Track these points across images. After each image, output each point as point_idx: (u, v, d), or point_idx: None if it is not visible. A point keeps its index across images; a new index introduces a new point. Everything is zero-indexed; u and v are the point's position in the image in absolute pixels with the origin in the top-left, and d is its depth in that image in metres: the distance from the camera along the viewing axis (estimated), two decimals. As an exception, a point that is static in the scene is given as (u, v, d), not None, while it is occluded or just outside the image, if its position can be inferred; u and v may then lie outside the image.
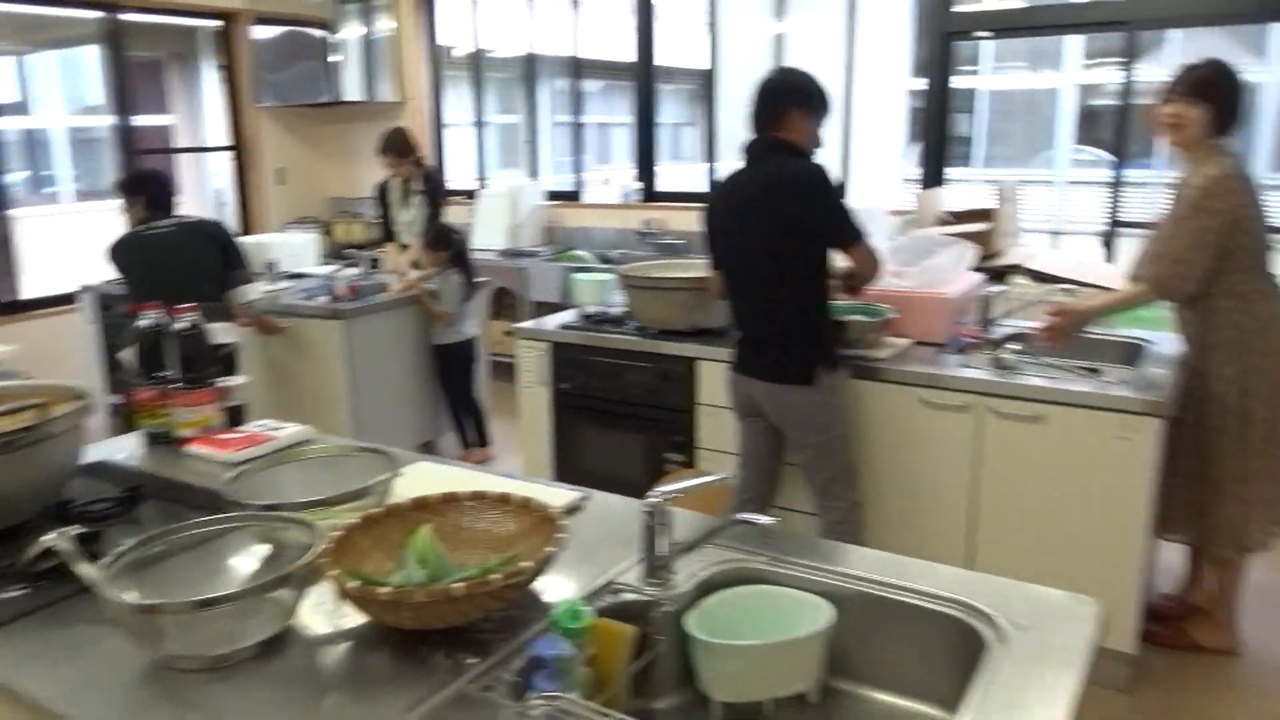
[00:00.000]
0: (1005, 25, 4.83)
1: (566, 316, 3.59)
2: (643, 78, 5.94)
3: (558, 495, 1.75)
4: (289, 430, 2.03)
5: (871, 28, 5.40)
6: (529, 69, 6.66)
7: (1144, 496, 2.47)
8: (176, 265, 3.70)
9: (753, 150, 2.64)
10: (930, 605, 1.37)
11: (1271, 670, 2.75)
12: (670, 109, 13.55)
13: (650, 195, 6.11)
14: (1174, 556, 3.09)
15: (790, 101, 2.59)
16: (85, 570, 1.25)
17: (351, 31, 6.54)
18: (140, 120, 6.70)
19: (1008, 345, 2.74)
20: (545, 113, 7.22)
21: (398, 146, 4.64)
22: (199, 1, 6.47)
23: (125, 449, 2.02)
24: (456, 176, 7.01)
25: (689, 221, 5.70)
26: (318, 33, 6.47)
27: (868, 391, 2.81)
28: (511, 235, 6.19)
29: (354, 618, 1.33)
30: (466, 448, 4.61)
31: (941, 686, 1.35)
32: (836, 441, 2.65)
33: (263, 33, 6.69)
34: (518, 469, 3.71)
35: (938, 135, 4.98)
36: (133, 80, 6.43)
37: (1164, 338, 3.00)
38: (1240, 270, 2.58)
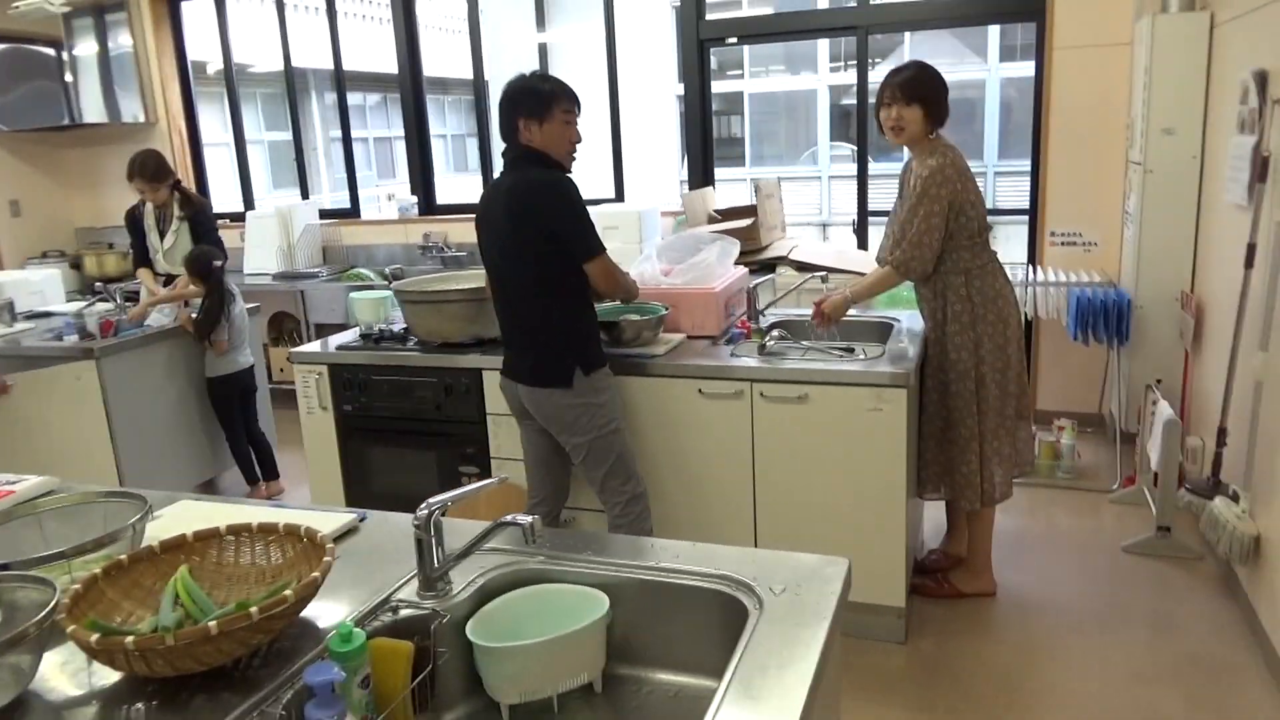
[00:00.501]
0: (753, 31, 5.12)
1: (345, 337, 3.48)
2: (410, 89, 5.85)
3: (331, 520, 1.71)
4: (29, 483, 1.86)
5: (635, 36, 5.59)
6: (289, 82, 6.39)
7: (900, 461, 2.70)
8: None
9: (505, 157, 2.68)
10: (697, 583, 1.45)
11: (1022, 605, 3.08)
12: (452, 120, 13.41)
13: (429, 209, 6.03)
14: (938, 513, 3.39)
15: (516, 114, 2.61)
16: None
17: (87, 48, 6.04)
18: None
19: (773, 334, 2.91)
20: (317, 128, 6.97)
21: (150, 170, 4.31)
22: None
23: None
24: (220, 199, 6.63)
25: (469, 233, 5.67)
26: (48, 50, 5.94)
27: (647, 386, 2.92)
28: (286, 257, 5.92)
29: (108, 674, 1.25)
30: (254, 484, 4.37)
31: (714, 658, 1.42)
32: (604, 439, 2.72)
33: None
34: (308, 499, 3.57)
35: (701, 137, 5.21)
36: None
37: (911, 316, 3.29)
38: (965, 249, 2.87)
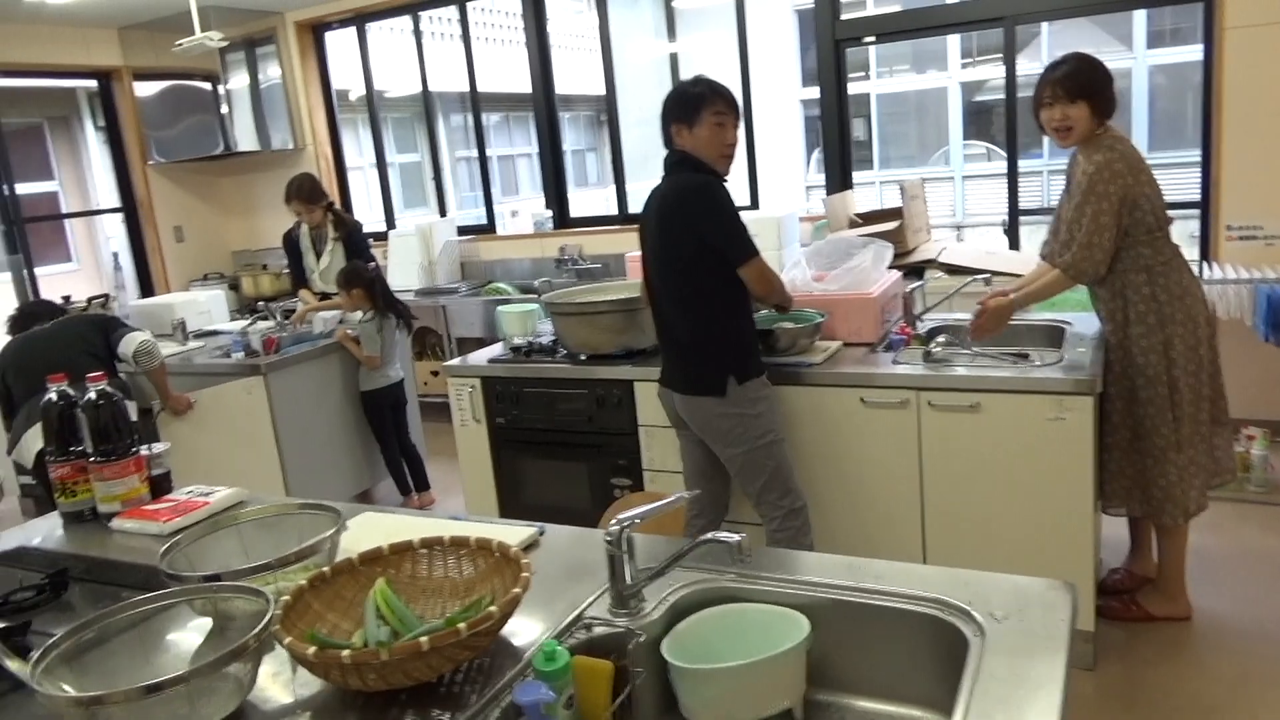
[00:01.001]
0: (890, 29, 4.96)
1: (494, 350, 3.53)
2: (544, 107, 5.92)
3: (513, 532, 1.70)
4: (221, 494, 1.92)
5: (760, 42, 5.48)
6: (426, 106, 6.58)
7: (1086, 474, 2.52)
8: (58, 349, 3.53)
9: (666, 163, 2.65)
10: (905, 606, 1.36)
11: (1220, 631, 2.84)
12: (570, 136, 13.63)
13: (563, 222, 6.09)
14: (1116, 530, 3.17)
15: (670, 119, 2.61)
16: (14, 667, 1.14)
17: (239, 81, 6.37)
18: (24, 188, 6.41)
19: (937, 340, 2.77)
20: (444, 149, 7.17)
21: (307, 192, 4.54)
22: (72, 62, 6.23)
23: (43, 531, 1.88)
24: (363, 219, 6.87)
25: (604, 245, 5.71)
26: (204, 85, 6.29)
27: (806, 396, 2.82)
28: (427, 273, 6.09)
29: (315, 684, 1.25)
30: (406, 494, 4.48)
31: (928, 688, 1.33)
32: (760, 451, 2.63)
33: (146, 89, 6.47)
34: (463, 509, 3.62)
35: (839, 140, 5.08)
36: (9, 147, 6.14)
37: (1084, 318, 3.09)
38: (1144, 245, 2.67)
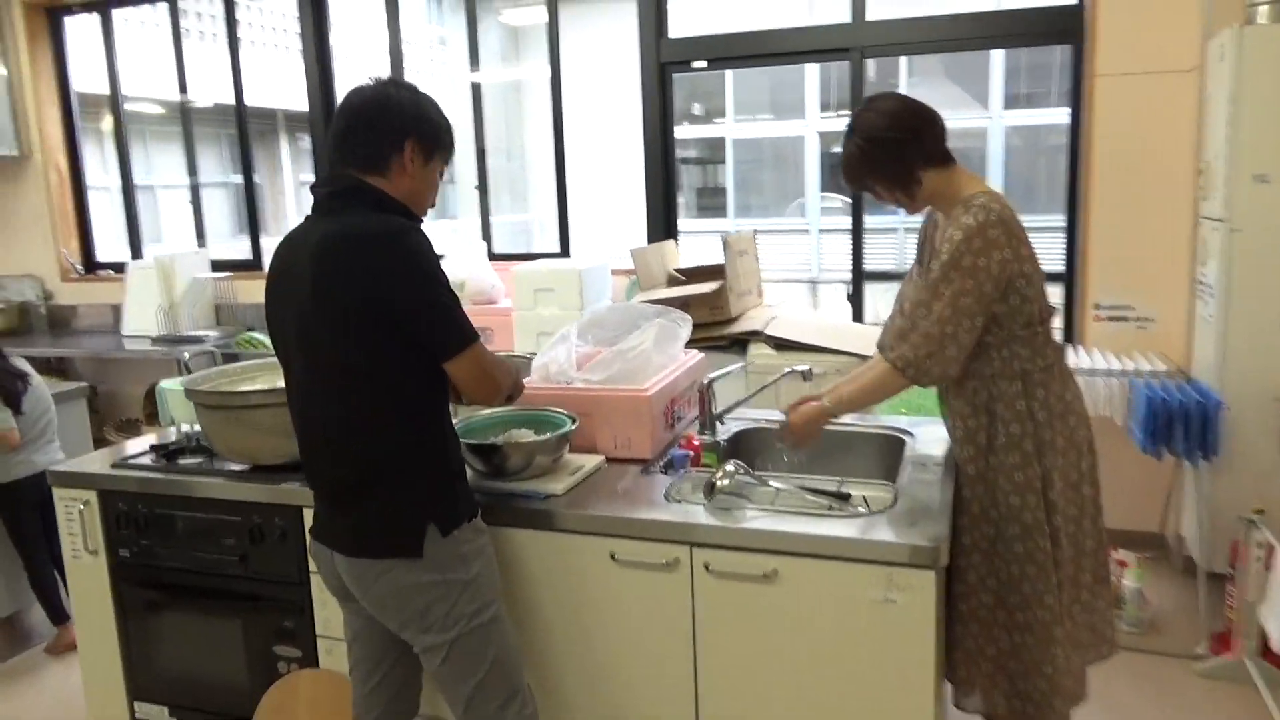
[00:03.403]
0: (724, 53, 4.22)
1: (135, 447, 2.49)
2: (322, 123, 4.92)
3: None
4: None
5: (616, 69, 4.64)
6: (184, 117, 5.46)
7: (926, 669, 1.70)
8: None
9: (318, 194, 1.73)
10: None
11: None
12: None
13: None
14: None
15: (393, 137, 1.71)
16: None
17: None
18: None
19: (727, 467, 1.91)
20: (215, 170, 6.06)
21: None
22: None
23: None
24: (107, 248, 5.68)
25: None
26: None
27: (540, 544, 1.92)
28: (168, 318, 4.94)
29: None
30: (61, 622, 3.33)
31: None
32: (475, 636, 1.73)
33: None
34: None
35: (662, 180, 4.28)
36: None
37: (929, 426, 2.32)
38: (1020, 343, 1.92)
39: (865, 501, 1.81)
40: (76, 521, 2.34)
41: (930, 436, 2.25)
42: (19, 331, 5.50)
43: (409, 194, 1.74)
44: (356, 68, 5.44)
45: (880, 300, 4.28)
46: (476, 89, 4.75)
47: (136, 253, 5.58)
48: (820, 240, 10.00)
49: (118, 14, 5.34)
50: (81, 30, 5.43)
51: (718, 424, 2.39)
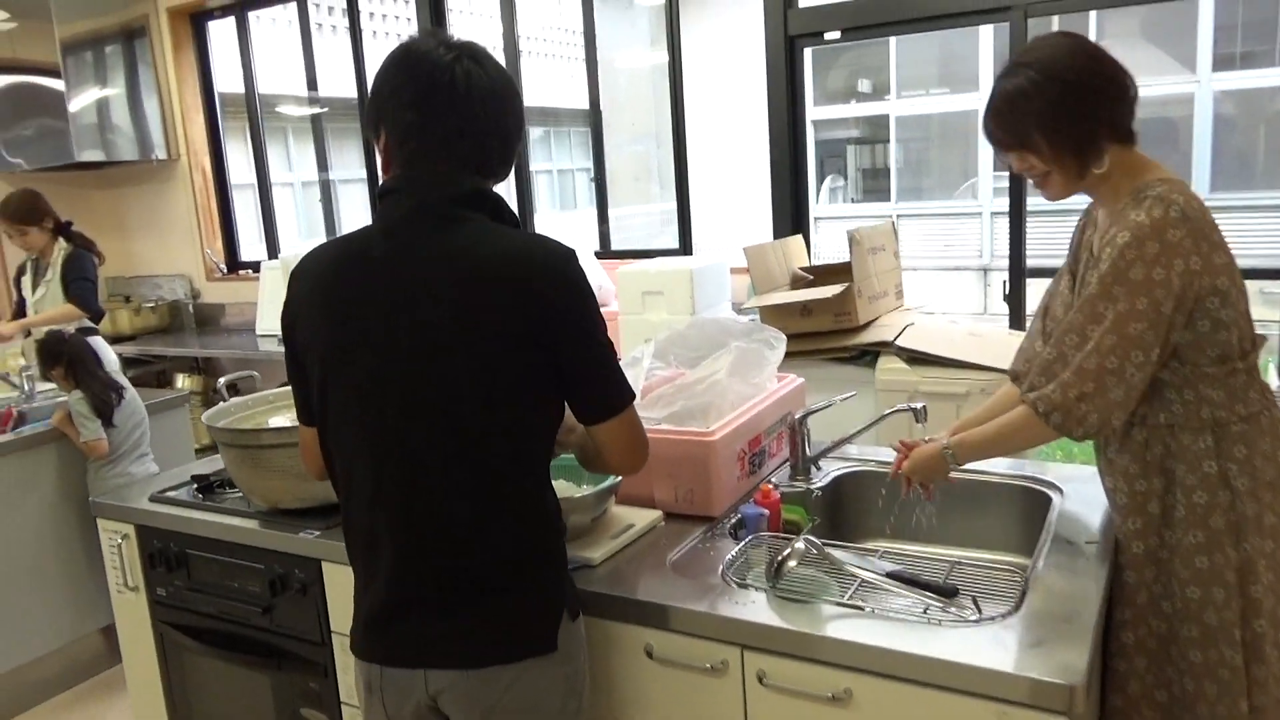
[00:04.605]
0: (862, 22, 3.70)
1: (180, 476, 2.34)
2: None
3: None
4: None
5: (756, 52, 4.22)
6: (318, 117, 5.46)
7: None
8: None
9: (438, 198, 1.32)
10: None
11: None
12: (563, 154, 12.56)
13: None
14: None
15: (522, 125, 1.42)
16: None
17: (101, 82, 5.31)
18: None
19: (796, 544, 1.50)
20: (355, 165, 6.07)
21: (11, 212, 3.74)
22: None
23: None
24: (250, 247, 5.79)
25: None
26: (55, 83, 5.23)
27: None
28: (295, 318, 4.93)
29: None
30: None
31: None
32: None
33: (-8, 84, 5.45)
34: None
35: (791, 166, 3.83)
36: None
37: (1086, 481, 1.81)
38: (1213, 382, 1.43)
39: (976, 604, 1.35)
40: (116, 555, 2.20)
41: (1086, 496, 1.74)
42: (170, 329, 5.69)
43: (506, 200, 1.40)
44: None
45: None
46: (592, 71, 4.44)
47: (273, 251, 5.64)
48: (993, 224, 9.14)
49: (252, 14, 5.39)
50: (222, 34, 5.52)
51: (813, 468, 1.98)
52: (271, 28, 6.53)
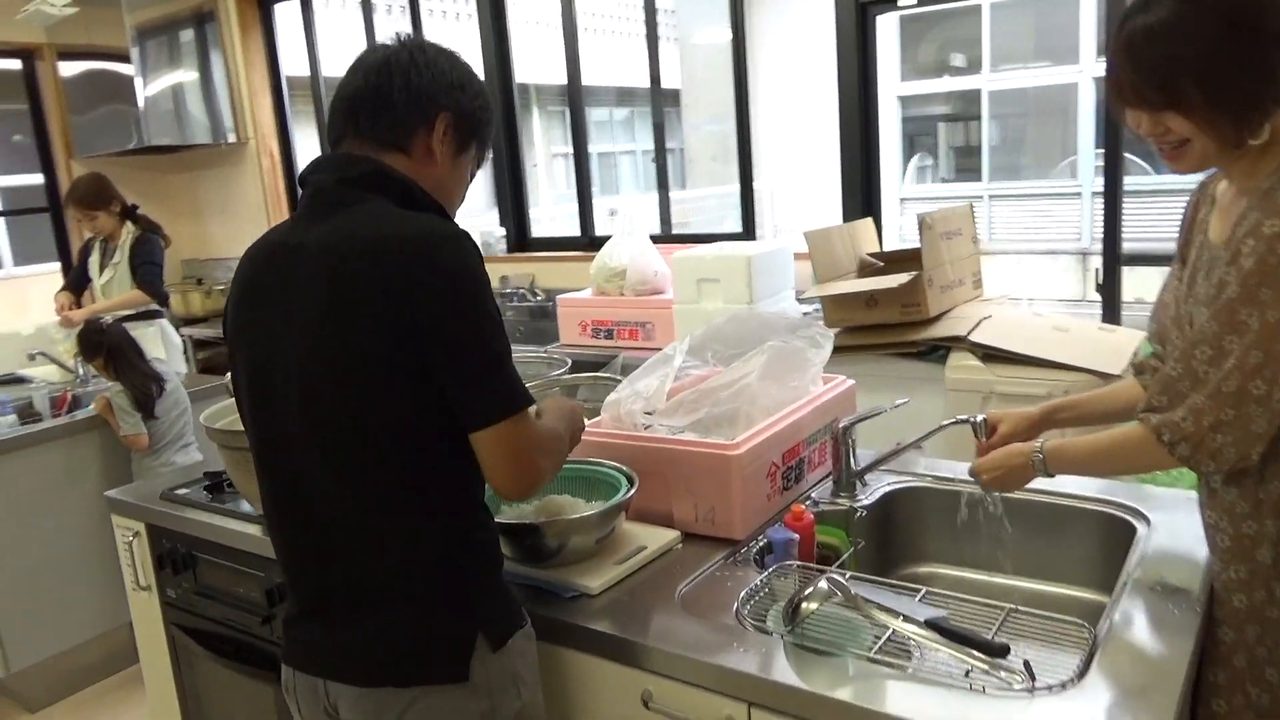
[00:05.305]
0: (942, -15, 3.40)
1: (192, 474, 2.25)
2: (501, 99, 4.60)
3: None
4: None
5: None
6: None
7: None
8: None
9: (329, 180, 1.25)
10: None
11: None
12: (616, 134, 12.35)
13: (522, 244, 4.77)
14: None
15: (441, 103, 1.27)
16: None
17: (173, 68, 5.35)
18: None
19: (820, 582, 1.29)
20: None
21: (79, 196, 3.76)
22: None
23: None
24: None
25: (565, 276, 4.36)
26: (124, 68, 5.28)
27: (553, 659, 1.40)
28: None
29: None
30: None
31: None
32: None
33: (70, 69, 5.54)
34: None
35: (860, 147, 3.55)
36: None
37: (1179, 507, 1.55)
38: None
39: (1029, 669, 1.12)
40: (129, 554, 2.12)
41: (1180, 529, 1.48)
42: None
43: (436, 185, 1.28)
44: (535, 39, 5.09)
45: (1147, 290, 3.28)
46: (653, 48, 4.23)
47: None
48: (1093, 205, 8.57)
49: (318, -2, 5.34)
50: (288, 17, 5.49)
51: (858, 483, 1.76)
52: (336, 10, 6.51)
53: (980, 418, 1.57)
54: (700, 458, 1.55)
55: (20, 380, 3.76)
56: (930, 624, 1.23)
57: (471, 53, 4.56)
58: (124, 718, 2.97)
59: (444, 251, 1.15)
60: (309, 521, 1.24)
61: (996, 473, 1.44)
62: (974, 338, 2.68)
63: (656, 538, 1.56)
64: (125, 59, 5.08)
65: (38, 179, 5.73)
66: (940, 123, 10.78)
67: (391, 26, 5.31)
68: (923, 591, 1.34)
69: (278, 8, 5.48)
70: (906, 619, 1.23)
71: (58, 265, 5.72)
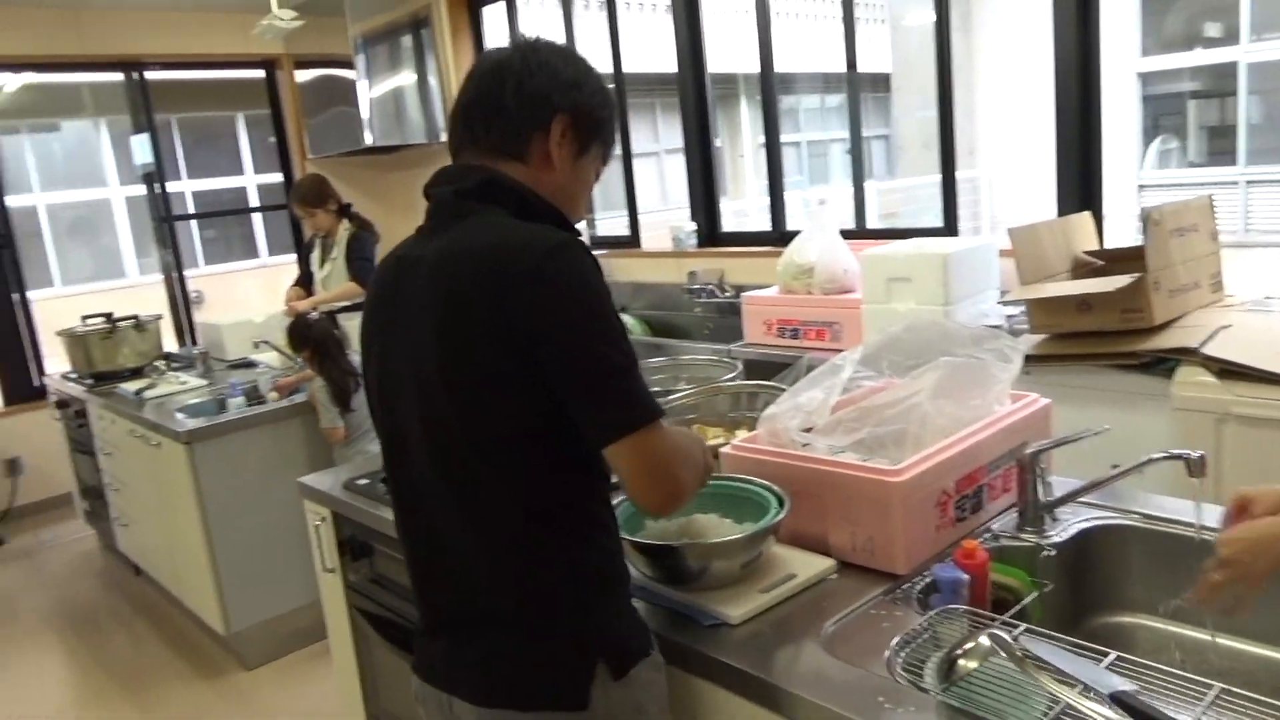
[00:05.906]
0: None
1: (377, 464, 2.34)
2: (693, 88, 4.54)
3: None
4: None
5: None
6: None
7: None
8: None
9: (446, 192, 1.24)
10: None
11: None
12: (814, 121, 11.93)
13: (713, 239, 4.70)
14: None
15: (557, 105, 1.23)
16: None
17: (393, 72, 5.69)
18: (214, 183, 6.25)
19: (982, 641, 1.13)
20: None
21: (302, 195, 4.10)
22: (232, 51, 5.89)
23: None
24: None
25: (754, 272, 4.26)
26: (349, 74, 5.67)
27: (683, 688, 1.33)
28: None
29: None
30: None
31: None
32: None
33: (304, 77, 6.03)
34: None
35: (1079, 132, 3.22)
36: (195, 142, 5.96)
37: None
38: None
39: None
40: (319, 535, 2.25)
41: None
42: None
43: (556, 191, 1.25)
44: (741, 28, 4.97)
45: None
46: (849, 31, 4.02)
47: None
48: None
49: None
50: (495, 18, 5.69)
51: (1047, 517, 1.57)
52: (537, 9, 6.67)
53: (1199, 454, 1.34)
54: (858, 482, 1.43)
55: (249, 365, 4.13)
56: (1116, 699, 1.05)
57: (666, 44, 4.57)
58: (325, 684, 3.18)
59: (552, 260, 1.10)
60: (430, 536, 1.25)
61: (1249, 558, 1.17)
62: (1208, 350, 2.35)
63: (809, 565, 1.45)
64: (349, 65, 5.44)
65: (277, 177, 6.28)
66: (1189, 99, 9.74)
67: (590, 21, 5.36)
68: (1111, 656, 1.16)
69: (486, 10, 5.69)
70: (1086, 689, 1.07)
71: (294, 256, 6.24)
